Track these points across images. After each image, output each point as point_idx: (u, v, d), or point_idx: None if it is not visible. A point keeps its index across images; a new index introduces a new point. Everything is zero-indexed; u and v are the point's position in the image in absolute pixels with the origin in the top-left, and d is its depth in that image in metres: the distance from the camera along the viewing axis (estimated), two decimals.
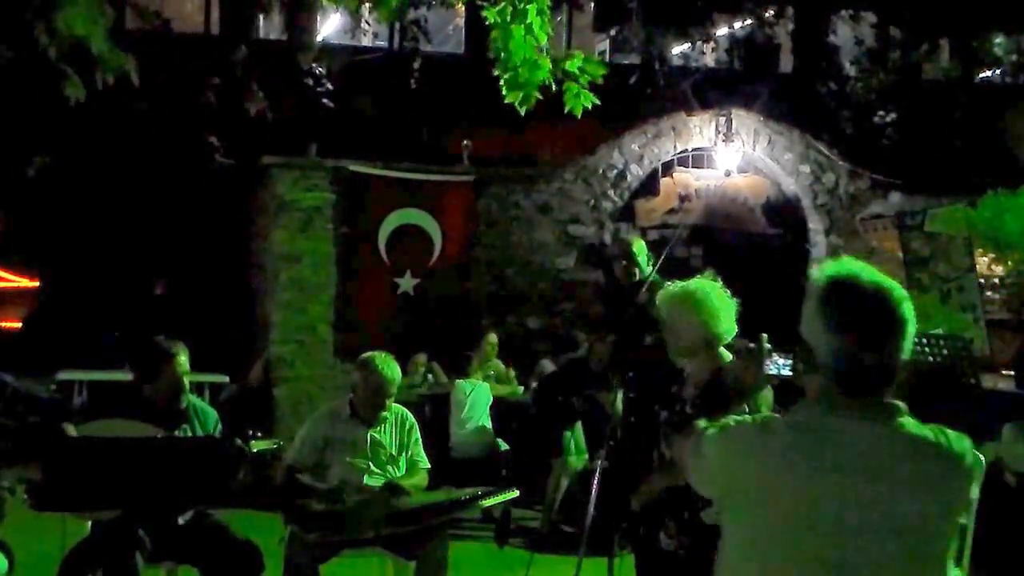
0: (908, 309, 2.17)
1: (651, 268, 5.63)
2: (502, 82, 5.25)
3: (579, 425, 7.53)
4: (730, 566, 2.29)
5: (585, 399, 7.30)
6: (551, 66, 5.17)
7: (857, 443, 2.14)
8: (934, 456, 2.16)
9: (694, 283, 3.83)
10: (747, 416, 2.30)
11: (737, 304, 3.78)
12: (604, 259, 8.85)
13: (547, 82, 5.23)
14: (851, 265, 2.22)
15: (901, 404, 2.20)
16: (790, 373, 2.42)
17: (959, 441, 2.20)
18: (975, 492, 2.24)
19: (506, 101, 5.29)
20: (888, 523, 2.12)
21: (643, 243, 6.03)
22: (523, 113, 5.33)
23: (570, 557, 5.09)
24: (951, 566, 2.22)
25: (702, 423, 2.38)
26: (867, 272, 2.19)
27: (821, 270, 2.23)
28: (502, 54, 5.18)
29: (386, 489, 4.78)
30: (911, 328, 2.17)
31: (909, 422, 2.18)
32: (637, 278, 5.59)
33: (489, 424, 8.60)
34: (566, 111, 5.34)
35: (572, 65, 5.23)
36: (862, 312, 2.15)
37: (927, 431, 2.18)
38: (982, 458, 4.85)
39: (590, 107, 5.31)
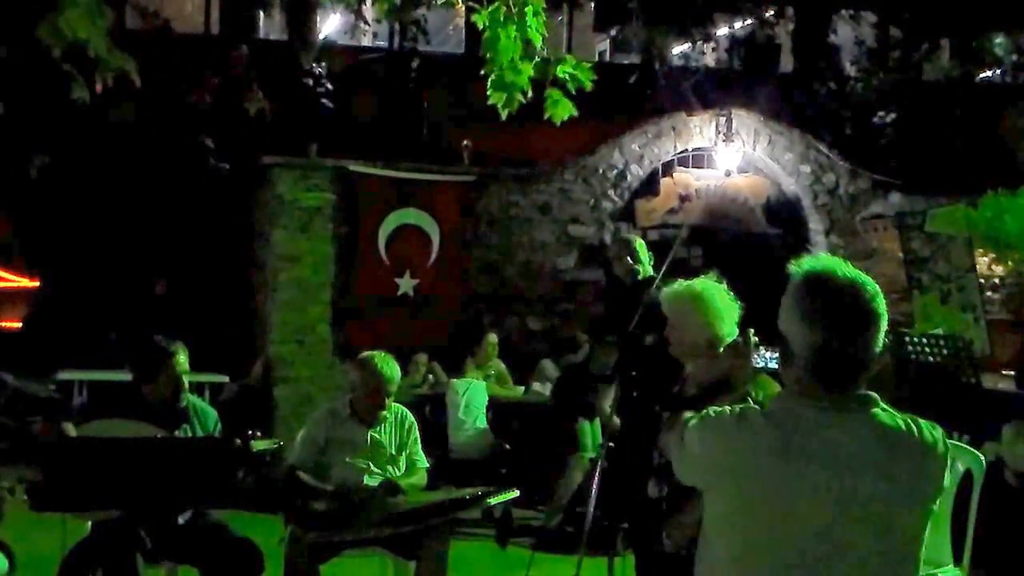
0: (881, 304, 2.22)
1: (652, 267, 5.63)
2: (488, 83, 5.24)
3: (598, 420, 7.54)
4: (709, 553, 2.34)
5: (597, 394, 7.30)
6: (532, 72, 5.13)
7: (831, 434, 2.18)
8: (907, 445, 2.20)
9: (699, 283, 3.81)
10: (725, 407, 2.32)
11: (741, 307, 3.77)
12: (605, 259, 8.86)
13: (526, 89, 5.18)
14: (827, 261, 2.27)
15: (874, 395, 2.24)
16: (777, 366, 2.45)
17: (931, 430, 2.24)
18: (948, 481, 2.28)
19: (490, 102, 5.27)
20: (862, 512, 2.15)
21: (643, 242, 6.02)
22: (504, 116, 5.28)
23: (570, 557, 5.09)
24: (923, 554, 2.25)
25: (687, 415, 2.42)
26: (842, 267, 2.24)
27: (798, 265, 2.28)
28: (489, 55, 5.15)
29: (383, 488, 4.78)
30: (884, 322, 2.22)
31: (882, 413, 2.23)
32: (640, 276, 5.58)
33: (486, 423, 8.58)
34: (545, 118, 5.30)
35: (562, 70, 5.20)
36: (836, 306, 2.19)
37: (899, 421, 2.22)
38: (982, 457, 4.88)
39: (567, 117, 5.25)
